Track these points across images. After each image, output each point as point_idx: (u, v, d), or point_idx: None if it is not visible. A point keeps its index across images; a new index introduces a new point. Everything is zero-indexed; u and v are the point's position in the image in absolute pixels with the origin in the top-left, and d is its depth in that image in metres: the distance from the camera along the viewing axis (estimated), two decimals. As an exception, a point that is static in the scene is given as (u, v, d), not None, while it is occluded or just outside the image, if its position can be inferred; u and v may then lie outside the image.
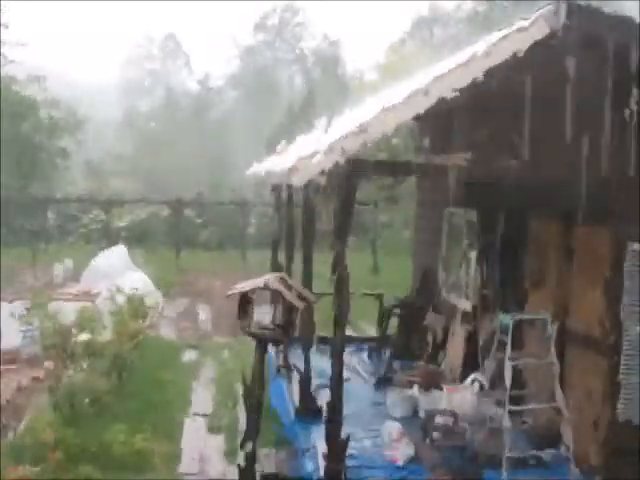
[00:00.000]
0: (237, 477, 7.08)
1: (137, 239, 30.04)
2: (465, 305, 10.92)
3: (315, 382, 9.54)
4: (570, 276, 8.21)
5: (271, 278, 7.18)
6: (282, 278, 7.36)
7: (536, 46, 6.52)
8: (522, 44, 6.53)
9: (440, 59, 9.77)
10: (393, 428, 8.38)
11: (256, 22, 58.58)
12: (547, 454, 7.72)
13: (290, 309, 6.91)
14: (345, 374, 7.56)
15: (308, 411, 9.13)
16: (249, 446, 6.87)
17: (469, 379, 9.21)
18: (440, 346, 11.25)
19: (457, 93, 6.44)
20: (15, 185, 32.97)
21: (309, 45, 58.95)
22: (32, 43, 49.85)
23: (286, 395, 10.07)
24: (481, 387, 8.77)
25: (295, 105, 44.31)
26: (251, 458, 6.85)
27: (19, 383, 11.55)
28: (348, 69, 57.68)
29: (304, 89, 54.02)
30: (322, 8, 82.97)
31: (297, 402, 9.38)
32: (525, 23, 6.66)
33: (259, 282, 7.06)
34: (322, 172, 6.24)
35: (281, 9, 59.07)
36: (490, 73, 6.52)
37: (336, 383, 7.25)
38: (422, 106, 6.48)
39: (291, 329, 7.11)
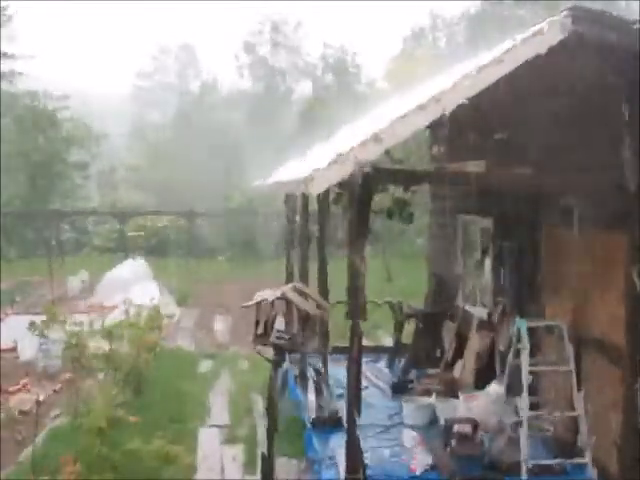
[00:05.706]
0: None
1: (152, 250, 30.15)
2: (481, 313, 10.88)
3: (332, 391, 9.53)
4: (587, 282, 8.16)
5: (287, 288, 7.18)
6: (298, 288, 7.36)
7: (548, 53, 6.51)
8: (534, 51, 6.51)
9: (447, 66, 9.78)
10: (411, 437, 8.36)
11: (260, 33, 58.86)
12: (566, 462, 7.67)
13: (306, 319, 6.90)
14: (361, 383, 7.55)
15: (325, 421, 9.12)
16: (268, 456, 6.87)
17: (487, 387, 9.18)
18: (457, 354, 11.21)
19: (470, 101, 6.43)
20: (31, 198, 33.21)
21: (317, 54, 59.18)
22: (44, 56, 50.04)
23: (303, 405, 10.06)
24: (499, 395, 8.73)
25: (305, 114, 44.34)
26: (270, 468, 6.85)
27: (37, 395, 11.60)
28: (358, 77, 57.71)
29: (313, 98, 54.09)
30: (330, 17, 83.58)
31: (314, 412, 9.37)
32: (537, 30, 6.65)
33: (275, 293, 7.07)
34: (338, 181, 6.24)
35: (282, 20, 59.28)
36: (503, 80, 6.51)
37: (353, 392, 7.24)
38: (435, 114, 6.46)
39: (307, 338, 7.10)
